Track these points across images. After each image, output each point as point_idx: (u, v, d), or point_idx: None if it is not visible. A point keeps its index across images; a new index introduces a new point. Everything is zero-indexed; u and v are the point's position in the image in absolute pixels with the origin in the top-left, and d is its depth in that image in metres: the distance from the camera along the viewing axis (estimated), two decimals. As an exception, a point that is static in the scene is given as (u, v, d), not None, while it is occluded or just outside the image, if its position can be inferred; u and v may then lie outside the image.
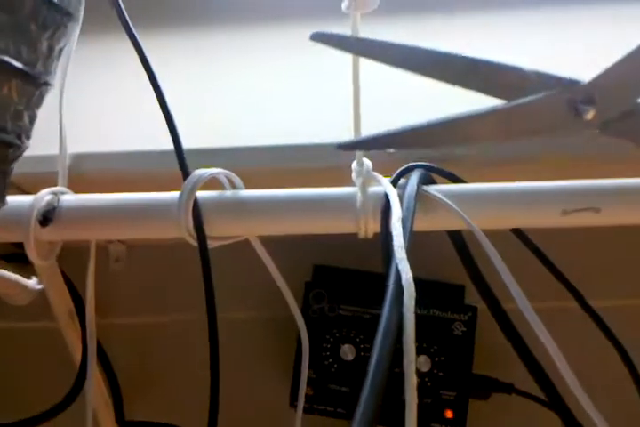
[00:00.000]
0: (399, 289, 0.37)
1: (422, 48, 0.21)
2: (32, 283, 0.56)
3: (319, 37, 0.25)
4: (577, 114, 0.18)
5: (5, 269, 0.68)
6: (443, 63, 0.20)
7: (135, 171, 0.56)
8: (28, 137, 0.39)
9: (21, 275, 0.70)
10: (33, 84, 0.37)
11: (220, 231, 0.51)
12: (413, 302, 0.36)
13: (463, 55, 0.20)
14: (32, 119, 0.39)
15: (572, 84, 0.18)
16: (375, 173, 0.48)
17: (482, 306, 0.68)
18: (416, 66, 0.21)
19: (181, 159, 0.50)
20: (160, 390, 0.76)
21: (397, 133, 0.24)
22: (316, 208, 0.48)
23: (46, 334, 0.73)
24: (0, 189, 0.39)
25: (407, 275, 0.37)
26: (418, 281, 0.73)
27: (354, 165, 0.49)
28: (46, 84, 0.39)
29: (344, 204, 0.47)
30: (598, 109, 0.17)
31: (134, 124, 0.61)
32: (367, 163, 0.48)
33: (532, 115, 0.17)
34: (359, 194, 0.47)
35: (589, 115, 0.18)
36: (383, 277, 0.74)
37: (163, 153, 0.55)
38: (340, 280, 0.74)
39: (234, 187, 0.52)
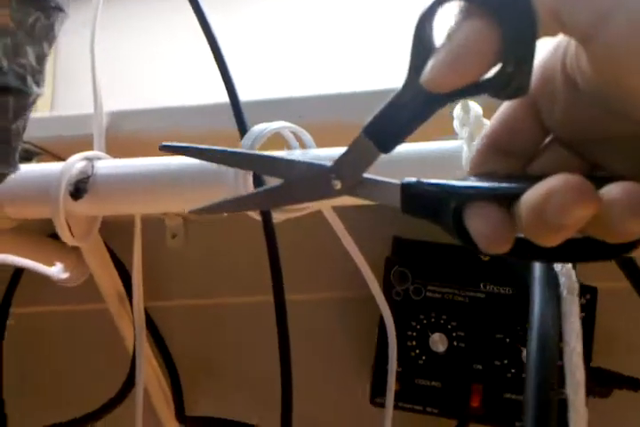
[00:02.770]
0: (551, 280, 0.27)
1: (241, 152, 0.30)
2: (56, 271, 0.48)
3: (167, 148, 0.30)
4: (329, 185, 0.26)
5: (51, 248, 0.62)
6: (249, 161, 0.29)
7: (183, 129, 0.46)
8: (38, 82, 0.30)
9: (70, 254, 0.63)
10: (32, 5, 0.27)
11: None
12: (576, 300, 0.26)
13: (260, 154, 0.30)
14: (40, 57, 0.29)
15: (322, 166, 0.26)
16: (486, 121, 0.36)
17: (602, 285, 0.56)
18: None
19: (238, 113, 0.40)
20: (224, 381, 0.68)
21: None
22: (421, 163, 0.38)
23: (98, 318, 0.66)
24: (4, 150, 0.30)
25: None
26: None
27: (456, 111, 0.38)
28: (59, 8, 0.29)
29: (449, 159, 0.37)
30: (343, 182, 0.26)
31: (175, 79, 0.52)
32: (475, 108, 0.37)
33: (302, 188, 0.27)
34: (465, 147, 0.36)
35: (337, 186, 0.26)
36: (475, 252, 0.64)
37: (215, 107, 0.45)
38: (425, 256, 0.63)
39: (302, 145, 0.42)
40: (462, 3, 0.21)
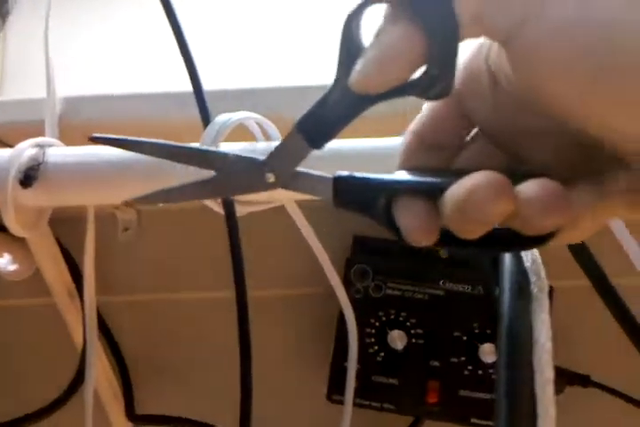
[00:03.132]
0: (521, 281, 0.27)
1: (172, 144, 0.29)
2: (3, 263, 0.46)
3: (98, 140, 0.30)
4: (263, 178, 0.26)
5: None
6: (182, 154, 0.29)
7: (142, 118, 0.44)
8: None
9: (17, 247, 0.60)
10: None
11: (251, 195, 0.40)
12: (546, 298, 0.25)
13: (192, 147, 0.29)
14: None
15: (255, 160, 0.26)
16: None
17: (558, 284, 0.57)
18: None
19: (202, 101, 0.39)
20: (176, 378, 0.66)
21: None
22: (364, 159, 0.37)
23: (46, 313, 0.64)
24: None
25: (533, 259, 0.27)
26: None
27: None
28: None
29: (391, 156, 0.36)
30: (276, 175, 0.26)
31: (136, 66, 0.50)
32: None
33: (236, 180, 0.27)
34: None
35: (271, 179, 0.26)
36: (434, 250, 0.64)
37: (177, 95, 0.43)
38: (385, 253, 0.63)
39: (267, 137, 0.41)
40: (387, 6, 0.21)
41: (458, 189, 0.21)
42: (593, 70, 0.19)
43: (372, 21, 0.22)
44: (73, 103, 0.45)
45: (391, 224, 0.23)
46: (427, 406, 0.58)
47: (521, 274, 0.30)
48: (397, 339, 0.58)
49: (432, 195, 0.22)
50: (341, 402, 0.59)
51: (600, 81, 0.19)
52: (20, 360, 0.66)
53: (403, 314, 0.59)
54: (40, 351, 0.66)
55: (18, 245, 0.58)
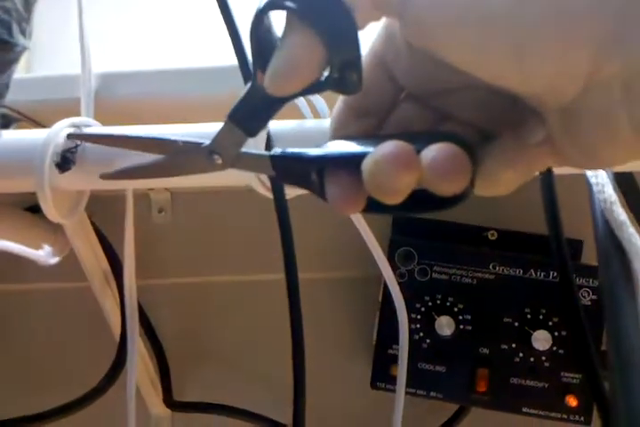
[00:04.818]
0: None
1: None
2: (43, 255, 0.44)
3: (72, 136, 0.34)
4: (212, 160, 0.28)
5: (30, 223, 0.57)
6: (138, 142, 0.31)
7: (181, 94, 0.41)
8: (24, 32, 0.25)
9: (49, 228, 0.58)
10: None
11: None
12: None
13: (142, 136, 0.31)
14: (28, 2, 0.25)
15: (200, 144, 0.28)
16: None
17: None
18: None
19: (248, 75, 0.36)
20: (215, 364, 0.65)
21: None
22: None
23: (80, 297, 0.62)
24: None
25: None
26: (523, 235, 0.60)
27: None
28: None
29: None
30: (222, 157, 0.27)
31: (174, 41, 0.47)
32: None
33: (188, 162, 0.29)
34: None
35: (219, 161, 0.28)
36: (481, 229, 0.61)
37: (218, 70, 0.40)
38: (431, 235, 0.60)
39: (316, 114, 0.38)
40: (286, 14, 0.22)
41: (368, 160, 0.22)
42: (472, 26, 0.21)
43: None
44: (109, 80, 0.42)
45: (324, 196, 0.25)
46: (476, 395, 0.56)
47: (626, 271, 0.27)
48: (445, 325, 0.56)
49: (354, 165, 0.23)
50: (385, 389, 0.58)
51: (478, 35, 0.21)
52: (56, 346, 0.65)
53: (450, 299, 0.57)
54: (76, 337, 0.65)
55: (50, 228, 0.57)
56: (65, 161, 0.37)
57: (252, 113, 0.26)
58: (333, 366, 0.63)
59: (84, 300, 0.59)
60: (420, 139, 0.23)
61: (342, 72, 0.23)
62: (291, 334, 0.43)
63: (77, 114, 0.42)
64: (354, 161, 0.23)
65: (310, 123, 0.38)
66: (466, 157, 0.22)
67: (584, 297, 0.55)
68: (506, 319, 0.56)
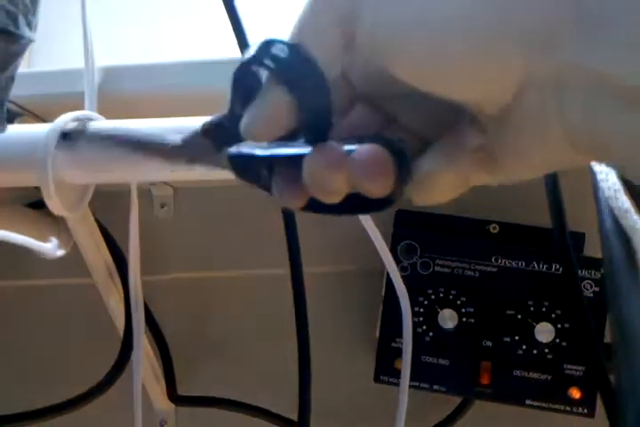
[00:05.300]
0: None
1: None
2: (51, 248, 0.44)
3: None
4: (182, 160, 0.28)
5: (32, 219, 0.57)
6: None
7: (188, 88, 0.42)
8: (30, 24, 0.25)
9: (51, 225, 0.58)
10: None
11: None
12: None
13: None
14: (33, -5, 0.25)
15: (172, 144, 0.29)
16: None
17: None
18: None
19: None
20: (219, 358, 0.65)
21: None
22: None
23: (84, 293, 0.62)
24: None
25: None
26: (525, 228, 0.60)
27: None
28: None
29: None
30: (190, 155, 0.28)
31: (176, 33, 0.47)
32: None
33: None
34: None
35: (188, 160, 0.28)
36: (484, 222, 0.61)
37: (222, 63, 0.40)
38: (433, 228, 0.60)
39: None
40: (267, 71, 0.23)
41: (305, 161, 0.24)
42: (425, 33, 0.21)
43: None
44: (111, 74, 0.42)
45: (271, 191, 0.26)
46: (479, 388, 0.56)
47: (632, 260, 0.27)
48: (448, 318, 0.56)
49: (298, 164, 0.24)
50: (389, 383, 0.58)
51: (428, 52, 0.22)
52: (59, 341, 0.66)
53: (452, 292, 0.57)
54: (79, 333, 0.65)
55: (54, 223, 0.57)
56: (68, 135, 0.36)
57: (224, 134, 0.27)
58: (337, 360, 0.63)
59: (88, 296, 0.59)
60: (354, 141, 0.24)
61: (308, 138, 0.24)
62: (296, 328, 0.43)
63: (80, 108, 0.42)
64: (296, 160, 0.24)
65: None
66: (388, 157, 0.23)
67: (587, 289, 0.55)
68: (509, 312, 0.56)
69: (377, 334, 0.59)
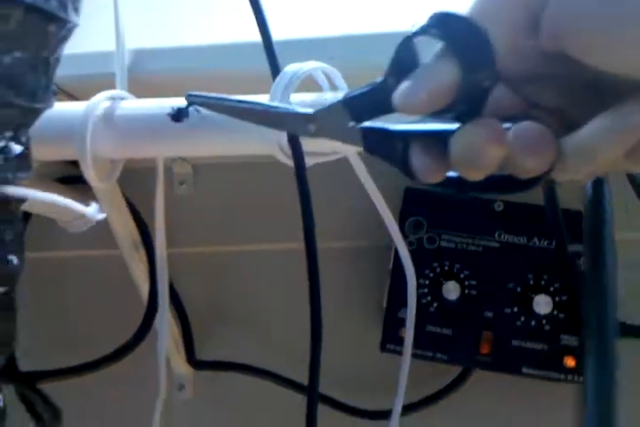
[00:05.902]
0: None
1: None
2: (91, 211, 0.47)
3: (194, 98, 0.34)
4: (307, 128, 0.30)
5: (62, 193, 0.60)
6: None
7: (211, 69, 0.45)
8: (77, 9, 0.28)
9: (81, 200, 0.62)
10: None
11: (318, 145, 0.41)
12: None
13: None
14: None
15: (304, 113, 0.30)
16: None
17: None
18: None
19: (271, 53, 0.39)
20: (236, 327, 0.69)
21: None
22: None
23: (110, 264, 0.66)
24: (42, 84, 0.29)
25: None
26: (528, 207, 0.63)
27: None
28: None
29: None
30: (316, 126, 0.30)
31: (203, 16, 0.50)
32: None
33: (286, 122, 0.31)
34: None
35: (312, 129, 0.30)
36: (489, 201, 0.64)
37: (245, 46, 0.43)
38: (439, 206, 0.63)
39: (333, 87, 0.41)
40: (440, 43, 0.24)
41: (458, 136, 0.24)
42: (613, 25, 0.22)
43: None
44: (141, 56, 0.45)
45: (406, 167, 0.27)
46: (479, 357, 0.59)
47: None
48: (452, 290, 0.59)
49: (440, 140, 0.25)
50: (394, 351, 0.61)
51: (616, 33, 0.22)
52: (86, 309, 0.70)
53: (457, 265, 0.60)
54: (106, 300, 0.68)
55: (84, 197, 0.60)
56: (179, 113, 0.39)
57: (366, 106, 0.27)
58: (347, 329, 0.66)
59: (115, 266, 0.62)
60: (504, 120, 0.24)
61: (463, 109, 0.24)
62: (309, 299, 0.46)
63: (111, 88, 0.45)
64: (441, 136, 0.25)
65: (328, 95, 0.41)
66: (551, 134, 0.23)
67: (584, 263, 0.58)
68: (509, 285, 0.59)
69: (384, 304, 0.62)
